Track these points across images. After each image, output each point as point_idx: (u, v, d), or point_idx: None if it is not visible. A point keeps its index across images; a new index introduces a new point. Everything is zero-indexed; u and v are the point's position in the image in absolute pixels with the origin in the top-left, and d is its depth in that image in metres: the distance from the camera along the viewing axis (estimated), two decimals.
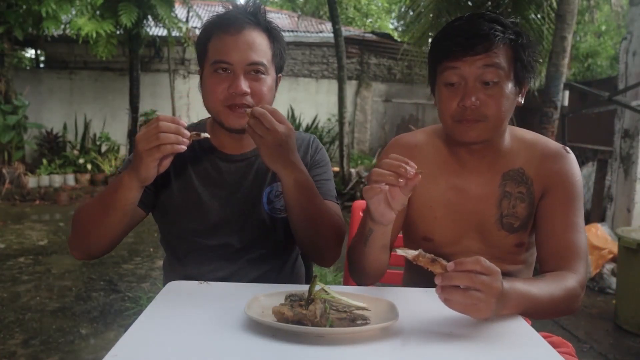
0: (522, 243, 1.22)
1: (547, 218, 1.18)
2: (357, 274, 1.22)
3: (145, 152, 1.04)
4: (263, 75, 1.24)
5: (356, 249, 1.17)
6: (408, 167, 0.94)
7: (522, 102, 1.18)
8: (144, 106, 8.92)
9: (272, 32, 1.27)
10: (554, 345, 0.88)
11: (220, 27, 1.23)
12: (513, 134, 1.24)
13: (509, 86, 1.12)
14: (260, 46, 1.23)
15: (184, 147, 1.05)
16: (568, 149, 1.22)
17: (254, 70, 1.22)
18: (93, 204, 1.18)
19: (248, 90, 1.21)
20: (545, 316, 1.08)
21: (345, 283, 1.61)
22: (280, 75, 1.33)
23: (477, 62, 1.09)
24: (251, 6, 1.26)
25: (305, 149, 1.39)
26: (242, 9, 1.26)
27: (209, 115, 1.36)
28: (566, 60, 4.72)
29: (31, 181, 7.77)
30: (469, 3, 6.42)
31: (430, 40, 6.99)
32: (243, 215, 1.32)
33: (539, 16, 6.30)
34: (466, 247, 1.23)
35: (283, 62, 1.32)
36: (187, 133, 1.06)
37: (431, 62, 1.19)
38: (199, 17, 9.56)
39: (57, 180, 8.08)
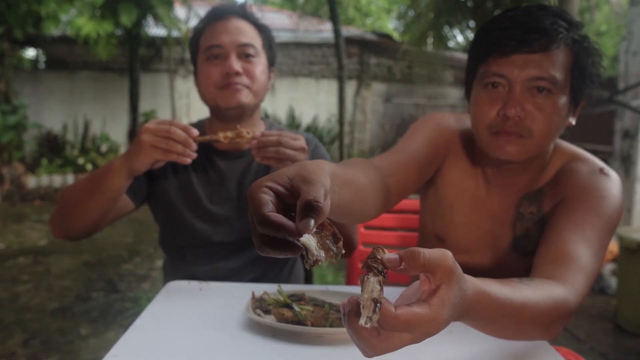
0: None
1: (551, 224, 0.96)
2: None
3: (149, 147, 1.04)
4: (254, 58, 1.28)
5: None
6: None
7: (574, 124, 0.99)
8: (144, 106, 8.93)
9: (259, 25, 1.33)
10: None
11: (209, 19, 1.30)
12: (557, 150, 1.06)
13: (563, 99, 0.94)
14: (249, 32, 1.29)
15: (188, 160, 1.06)
16: (607, 170, 1.01)
17: (245, 52, 1.26)
18: (80, 185, 1.18)
19: (240, 69, 1.25)
20: (523, 330, 0.75)
21: (347, 283, 1.61)
22: (273, 68, 1.36)
23: (530, 63, 0.91)
24: (239, 4, 1.34)
25: None
26: (230, 4, 1.33)
27: (209, 116, 1.37)
28: None
29: (31, 181, 7.77)
30: (469, 3, 6.41)
31: (430, 39, 6.99)
32: (241, 213, 1.32)
33: None
34: (478, 262, 1.13)
35: (274, 56, 1.36)
36: (195, 146, 1.06)
37: (472, 59, 1.01)
38: (199, 17, 9.54)
39: (57, 180, 8.08)
